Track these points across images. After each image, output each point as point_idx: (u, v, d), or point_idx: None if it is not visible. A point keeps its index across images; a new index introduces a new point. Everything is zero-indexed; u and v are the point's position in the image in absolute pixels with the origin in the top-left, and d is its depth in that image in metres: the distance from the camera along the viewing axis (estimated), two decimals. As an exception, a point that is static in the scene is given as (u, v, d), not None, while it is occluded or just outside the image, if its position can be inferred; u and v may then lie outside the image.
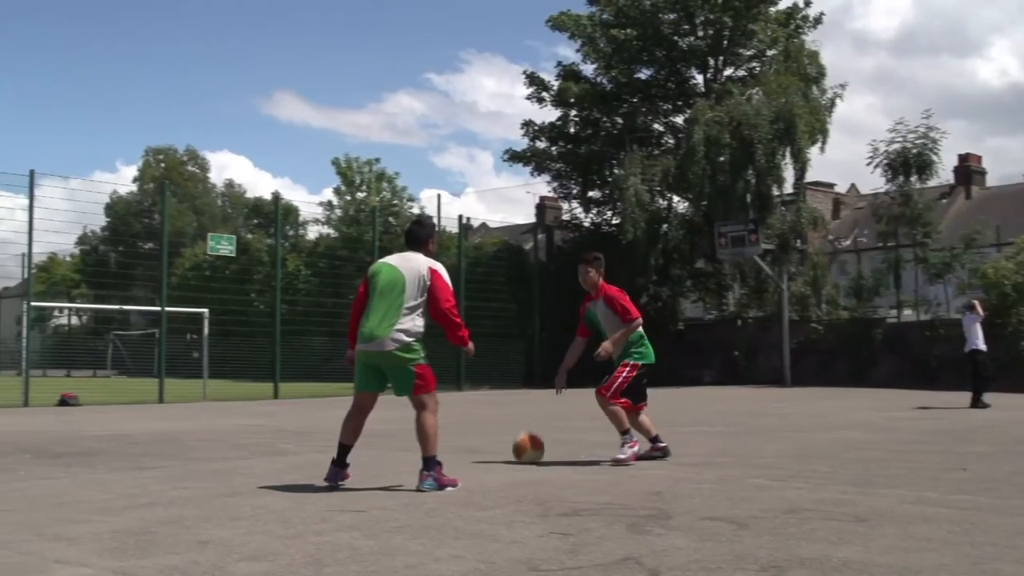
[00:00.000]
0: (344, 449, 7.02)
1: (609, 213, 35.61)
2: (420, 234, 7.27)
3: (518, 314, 31.41)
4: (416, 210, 45.62)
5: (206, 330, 25.01)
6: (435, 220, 41.74)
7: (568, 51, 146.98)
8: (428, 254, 7.16)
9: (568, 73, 35.84)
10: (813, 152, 30.76)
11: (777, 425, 13.77)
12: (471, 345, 7.13)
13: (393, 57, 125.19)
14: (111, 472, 8.25)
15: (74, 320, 56.34)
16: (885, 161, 29.98)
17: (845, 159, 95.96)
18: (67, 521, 5.64)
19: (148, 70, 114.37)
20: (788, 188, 31.55)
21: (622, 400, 8.41)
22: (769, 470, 8.00)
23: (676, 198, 34.22)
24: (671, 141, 35.12)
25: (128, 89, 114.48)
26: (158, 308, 24.29)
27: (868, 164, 30.60)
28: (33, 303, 21.32)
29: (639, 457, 8.44)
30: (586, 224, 36.46)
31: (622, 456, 8.24)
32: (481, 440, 8.57)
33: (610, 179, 34.22)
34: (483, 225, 45.23)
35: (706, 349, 32.60)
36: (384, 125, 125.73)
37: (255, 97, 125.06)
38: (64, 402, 20.24)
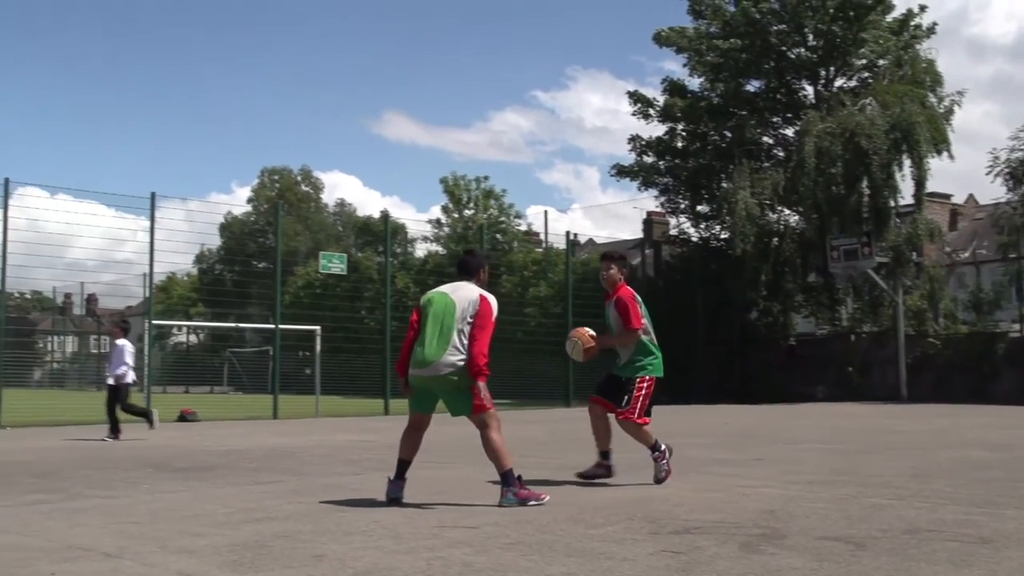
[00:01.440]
0: (403, 464, 7.15)
1: (718, 227, 35.27)
2: (472, 264, 7.40)
3: (625, 330, 31.24)
4: (523, 227, 45.83)
5: (318, 347, 25.46)
6: (542, 237, 42.07)
7: (674, 65, 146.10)
8: (480, 284, 7.28)
9: (674, 87, 35.62)
10: (934, 162, 30.00)
11: (894, 442, 13.41)
12: (481, 385, 6.94)
13: (499, 75, 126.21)
14: (229, 486, 8.46)
15: (192, 338, 57.95)
16: (1006, 170, 29.08)
17: (962, 169, 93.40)
18: (188, 534, 5.80)
19: (261, 94, 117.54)
20: (904, 200, 30.80)
21: (646, 419, 8.04)
22: (886, 489, 7.78)
23: (787, 211, 33.72)
24: (781, 154, 34.63)
25: (242, 112, 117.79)
26: (272, 326, 24.80)
27: (988, 173, 29.74)
28: (154, 321, 21.97)
29: (585, 475, 8.21)
30: (694, 239, 36.15)
31: (661, 475, 7.99)
32: (588, 456, 8.52)
33: (719, 193, 33.86)
34: (590, 241, 45.20)
35: (818, 365, 31.96)
36: (491, 143, 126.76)
37: (364, 117, 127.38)
38: (183, 418, 20.80)
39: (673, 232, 37.44)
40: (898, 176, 29.76)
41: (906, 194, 30.59)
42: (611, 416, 8.11)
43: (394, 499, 6.97)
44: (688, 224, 36.53)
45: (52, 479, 9.13)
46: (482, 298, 7.04)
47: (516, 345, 27.93)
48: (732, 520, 6.09)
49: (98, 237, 63.53)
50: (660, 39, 34.89)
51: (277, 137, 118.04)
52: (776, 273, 33.06)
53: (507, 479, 6.83)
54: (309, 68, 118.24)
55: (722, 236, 34.74)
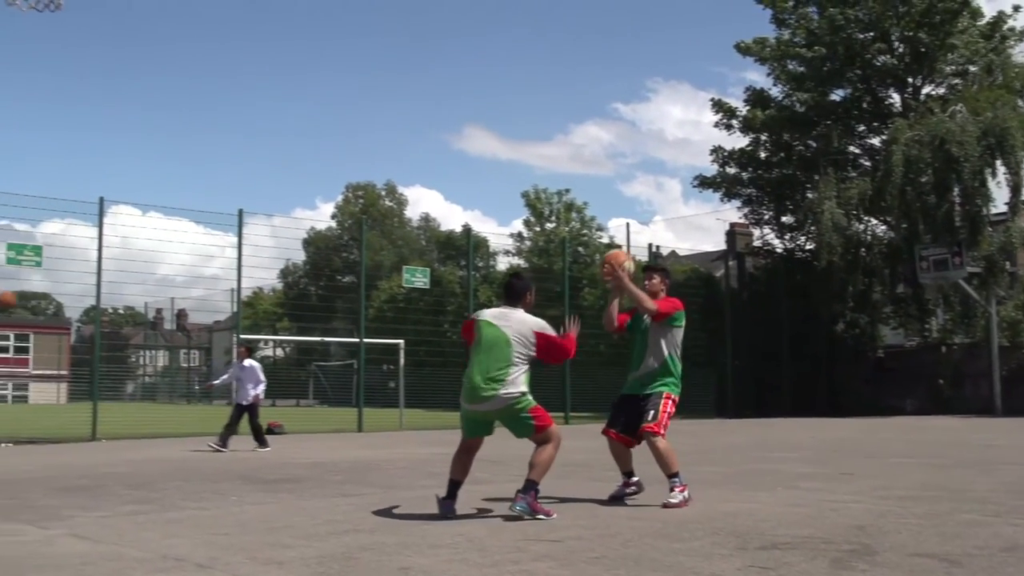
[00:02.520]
0: (455, 485, 7.16)
1: (803, 238, 34.80)
2: (518, 287, 7.41)
3: (709, 343, 31.00)
4: (605, 239, 45.71)
5: (402, 360, 25.69)
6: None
7: (757, 75, 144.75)
8: (526, 308, 7.31)
9: (757, 97, 35.29)
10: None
11: (989, 457, 13.05)
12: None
13: (580, 89, 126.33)
14: (315, 499, 8.56)
15: (278, 352, 58.90)
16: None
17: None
18: (277, 545, 5.88)
19: (344, 111, 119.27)
20: (996, 208, 30.06)
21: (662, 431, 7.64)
22: (982, 505, 7.57)
23: (873, 221, 33.14)
24: (867, 163, 34.05)
25: (326, 129, 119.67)
26: (356, 339, 25.07)
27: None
28: (241, 335, 22.40)
29: (613, 497, 7.91)
30: (779, 250, 35.72)
31: (674, 500, 7.45)
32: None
33: (803, 203, 33.41)
34: (672, 253, 44.88)
35: (908, 377, 31.31)
36: (571, 156, 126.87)
37: (446, 132, 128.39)
38: (270, 431, 21.09)
39: (757, 243, 37.03)
40: (991, 183, 29.05)
41: (999, 202, 29.89)
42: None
43: (444, 518, 6.96)
44: (772, 235, 36.14)
45: (146, 490, 9.34)
46: (538, 335, 7.10)
47: (599, 358, 27.87)
48: (821, 536, 5.98)
49: (187, 253, 65.11)
50: (742, 49, 34.63)
51: (360, 153, 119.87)
52: (863, 284, 32.49)
53: (528, 487, 6.88)
54: (391, 84, 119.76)
55: (807, 247, 34.27)
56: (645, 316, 7.85)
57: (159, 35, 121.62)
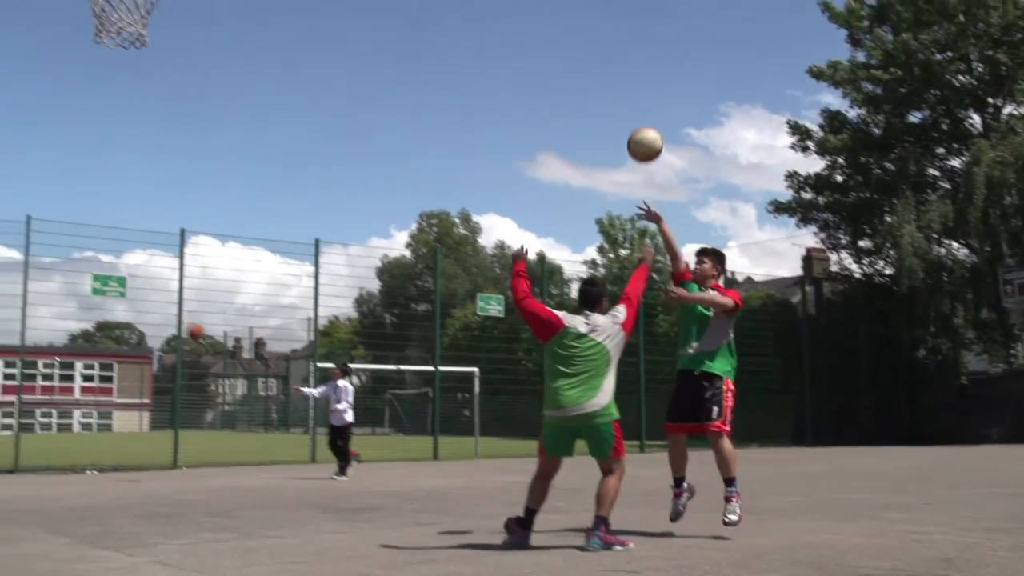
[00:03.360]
0: (531, 514, 7.08)
1: (882, 263, 34.20)
2: (595, 294, 7.42)
3: (786, 369, 30.57)
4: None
5: (477, 388, 25.74)
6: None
7: (831, 98, 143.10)
8: (602, 313, 7.29)
9: (832, 120, 34.89)
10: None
11: (1080, 487, 12.66)
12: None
13: (652, 114, 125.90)
14: (391, 528, 8.61)
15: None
16: None
17: None
18: (354, 575, 5.91)
19: (417, 139, 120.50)
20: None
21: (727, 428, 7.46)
22: (1073, 537, 7.34)
23: (955, 244, 32.47)
24: (947, 185, 33.41)
25: (399, 158, 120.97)
26: (431, 368, 25.19)
27: None
28: (318, 364, 22.68)
29: (676, 517, 7.68)
30: (857, 275, 35.16)
31: (733, 517, 7.26)
32: (750, 500, 8.34)
33: (882, 227, 32.86)
34: (748, 279, 44.41)
35: (993, 404, 30.51)
36: (644, 182, 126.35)
37: (518, 160, 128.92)
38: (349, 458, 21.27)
39: (834, 268, 36.47)
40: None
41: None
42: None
43: (518, 548, 6.90)
44: (850, 260, 35.57)
45: (226, 518, 9.48)
46: (622, 326, 7.17)
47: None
48: (905, 568, 5.85)
49: (264, 283, 65.99)
50: (815, 74, 34.28)
51: (434, 181, 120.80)
52: (946, 309, 31.80)
53: (597, 523, 6.80)
54: (463, 112, 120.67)
55: (886, 271, 33.67)
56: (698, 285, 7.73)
57: (234, 67, 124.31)
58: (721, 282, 8.17)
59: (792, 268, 64.56)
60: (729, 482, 7.42)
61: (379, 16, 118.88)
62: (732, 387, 7.57)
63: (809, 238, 37.79)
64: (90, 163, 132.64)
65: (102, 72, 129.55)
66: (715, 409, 7.42)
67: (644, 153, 7.87)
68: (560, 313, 7.34)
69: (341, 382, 16.74)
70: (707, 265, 7.92)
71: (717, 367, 7.54)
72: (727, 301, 7.60)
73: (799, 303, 34.23)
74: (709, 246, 8.24)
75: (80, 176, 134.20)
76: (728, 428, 7.43)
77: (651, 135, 7.84)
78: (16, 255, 19.60)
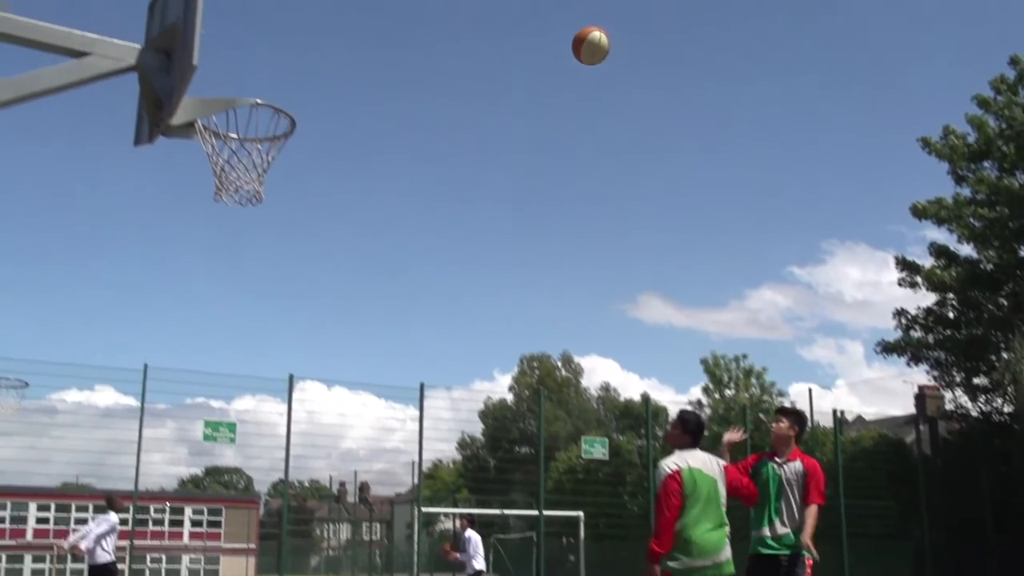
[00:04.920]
0: None
1: (1000, 400, 33.01)
2: (702, 422, 7.31)
3: (901, 513, 29.40)
4: (787, 405, 44.51)
5: (582, 533, 25.30)
6: (807, 415, 40.58)
7: (936, 234, 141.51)
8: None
9: (940, 256, 34.27)
10: None
11: None
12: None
13: (754, 253, 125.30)
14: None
15: (458, 524, 58.83)
16: None
17: None
18: None
19: (520, 281, 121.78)
20: None
21: None
22: None
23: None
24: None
25: (501, 302, 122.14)
26: (535, 512, 24.90)
27: None
28: (422, 508, 22.63)
29: None
30: (974, 413, 33.95)
31: None
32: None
33: (998, 364, 31.83)
34: (858, 418, 43.28)
35: None
36: (748, 321, 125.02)
37: (621, 302, 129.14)
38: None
39: (949, 407, 35.29)
40: None
41: None
42: None
43: None
44: (965, 397, 34.41)
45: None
46: (726, 468, 7.06)
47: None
48: None
49: (369, 427, 66.59)
50: (918, 212, 33.83)
51: (535, 324, 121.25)
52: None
53: None
54: (565, 254, 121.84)
55: (1004, 409, 32.46)
56: (782, 477, 7.45)
57: (337, 211, 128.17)
58: (800, 443, 7.97)
59: (904, 406, 62.64)
60: None
61: (485, 162, 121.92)
62: (810, 564, 7.35)
63: (920, 375, 36.82)
64: (201, 310, 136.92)
65: (217, 230, 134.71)
66: None
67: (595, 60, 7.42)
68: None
69: (468, 532, 16.75)
70: (783, 425, 7.75)
71: (797, 549, 7.30)
72: (812, 511, 7.34)
73: (913, 443, 33.11)
74: (790, 406, 8.08)
75: (192, 323, 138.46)
76: None
77: (596, 40, 7.36)
78: (133, 402, 20.21)
